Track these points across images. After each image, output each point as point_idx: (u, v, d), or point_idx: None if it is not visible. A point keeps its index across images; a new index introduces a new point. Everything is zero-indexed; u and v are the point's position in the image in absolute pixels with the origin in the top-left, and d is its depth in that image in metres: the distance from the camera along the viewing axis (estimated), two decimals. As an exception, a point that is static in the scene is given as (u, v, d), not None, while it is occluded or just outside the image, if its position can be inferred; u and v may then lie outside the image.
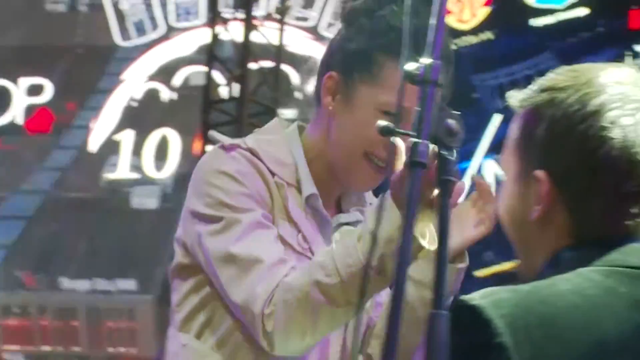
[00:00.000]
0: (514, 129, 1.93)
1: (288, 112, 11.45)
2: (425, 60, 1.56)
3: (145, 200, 14.58)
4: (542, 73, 1.86)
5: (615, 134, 1.72)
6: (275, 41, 10.58)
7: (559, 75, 1.87)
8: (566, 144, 1.79)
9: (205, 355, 2.53)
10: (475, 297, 1.74)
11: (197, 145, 12.98)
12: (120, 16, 13.63)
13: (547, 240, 1.87)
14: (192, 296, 2.58)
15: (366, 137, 2.47)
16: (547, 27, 11.14)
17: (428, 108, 1.52)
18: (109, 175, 14.29)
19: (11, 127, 14.22)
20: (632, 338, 1.71)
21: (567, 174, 1.80)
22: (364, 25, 2.51)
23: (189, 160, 13.82)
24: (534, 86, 1.87)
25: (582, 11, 12.90)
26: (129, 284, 13.95)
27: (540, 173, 1.80)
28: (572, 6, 13.17)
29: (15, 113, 14.09)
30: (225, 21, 10.50)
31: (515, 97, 1.90)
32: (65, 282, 14.17)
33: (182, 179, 13.53)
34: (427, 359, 1.42)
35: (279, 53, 10.62)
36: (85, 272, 14.32)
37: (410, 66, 1.60)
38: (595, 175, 1.77)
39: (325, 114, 2.61)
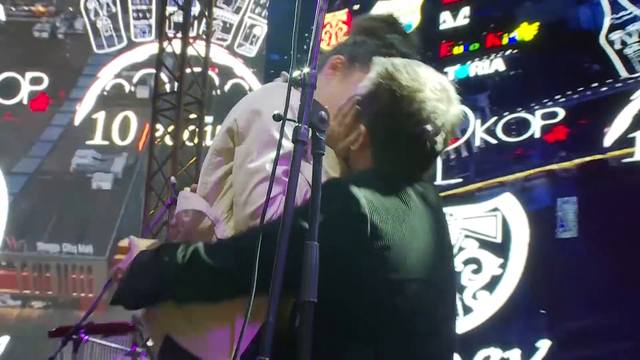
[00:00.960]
0: (360, 89, 2.21)
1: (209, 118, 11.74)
2: (306, 69, 1.77)
3: (102, 184, 14.01)
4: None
5: (427, 125, 2.02)
6: (203, 54, 10.86)
7: (402, 74, 2.13)
8: (388, 123, 2.11)
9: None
10: (343, 179, 2.14)
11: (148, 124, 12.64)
12: (97, 33, 13.64)
13: (360, 163, 2.20)
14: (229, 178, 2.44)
15: (344, 101, 2.45)
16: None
17: (307, 103, 1.73)
18: (89, 142, 13.58)
19: (18, 105, 13.73)
20: (425, 224, 2.04)
21: (382, 137, 2.12)
22: (376, 40, 2.57)
23: (135, 153, 13.98)
24: (383, 67, 2.15)
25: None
26: (88, 248, 13.70)
27: (364, 128, 2.14)
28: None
29: (22, 96, 13.73)
30: (169, 39, 10.72)
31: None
32: (41, 245, 14.07)
33: (129, 169, 13.93)
34: (301, 282, 1.59)
35: (206, 62, 10.89)
36: (55, 238, 13.98)
37: (295, 73, 1.82)
38: (399, 140, 2.07)
39: (324, 80, 2.55)
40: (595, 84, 7.76)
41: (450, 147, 7.97)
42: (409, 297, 1.98)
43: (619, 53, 7.72)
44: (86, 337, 5.71)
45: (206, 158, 2.44)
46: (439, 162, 7.77)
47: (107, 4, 13.94)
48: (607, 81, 7.67)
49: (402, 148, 2.07)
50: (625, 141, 7.43)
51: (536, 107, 8.07)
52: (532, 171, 7.93)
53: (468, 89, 8.26)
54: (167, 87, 11.08)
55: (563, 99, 7.93)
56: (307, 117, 1.69)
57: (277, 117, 1.74)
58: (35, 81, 13.59)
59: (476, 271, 8.15)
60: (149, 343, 5.66)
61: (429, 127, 2.02)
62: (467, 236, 8.26)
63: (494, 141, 8.15)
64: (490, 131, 8.19)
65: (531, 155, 8.12)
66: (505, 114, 8.30)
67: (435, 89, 2.09)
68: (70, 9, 14.41)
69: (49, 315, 13.23)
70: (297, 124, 1.65)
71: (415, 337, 1.98)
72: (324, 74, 2.45)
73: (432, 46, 8.69)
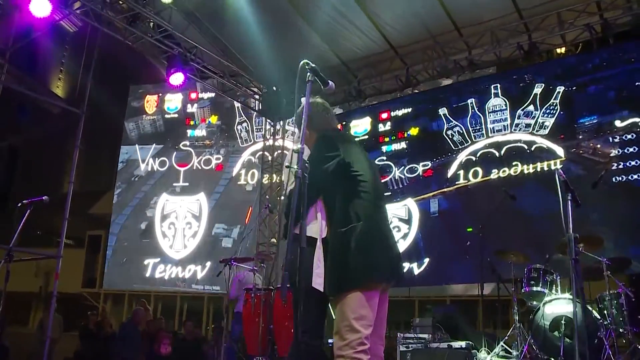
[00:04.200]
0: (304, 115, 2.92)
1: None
2: (298, 145, 2.57)
3: (227, 243, 14.87)
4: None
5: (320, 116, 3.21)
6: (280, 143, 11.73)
7: (314, 102, 3.27)
8: (312, 123, 3.13)
9: None
10: (329, 135, 3.06)
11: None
12: (242, 138, 15.32)
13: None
14: None
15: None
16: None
17: (300, 160, 2.47)
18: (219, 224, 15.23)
19: (212, 167, 15.57)
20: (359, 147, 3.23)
21: (314, 129, 3.11)
22: (314, 119, 3.18)
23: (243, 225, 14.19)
24: (302, 106, 3.04)
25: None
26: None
27: (311, 131, 3.13)
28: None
29: (216, 162, 15.66)
30: (267, 139, 11.78)
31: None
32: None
33: (240, 233, 14.29)
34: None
35: (282, 146, 11.64)
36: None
37: (295, 147, 2.61)
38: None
39: (307, 138, 3.13)
40: (444, 154, 9.58)
41: (383, 180, 9.77)
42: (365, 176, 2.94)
43: (450, 139, 9.56)
44: (234, 263, 7.04)
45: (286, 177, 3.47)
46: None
47: (253, 126, 15.55)
48: (447, 152, 9.56)
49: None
50: (454, 176, 9.38)
51: (420, 163, 9.86)
52: (425, 196, 9.68)
53: (392, 156, 10.18)
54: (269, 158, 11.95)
55: (432, 159, 9.74)
56: (300, 164, 2.54)
57: (286, 166, 2.67)
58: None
59: (398, 230, 9.70)
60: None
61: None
62: (393, 216, 9.69)
63: (402, 176, 9.95)
64: (401, 172, 9.97)
65: (418, 184, 9.81)
66: (407, 165, 10.02)
67: (325, 109, 3.34)
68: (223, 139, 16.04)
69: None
70: (296, 169, 2.49)
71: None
72: (306, 137, 3.15)
73: (376, 137, 10.42)
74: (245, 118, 15.74)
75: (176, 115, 16.67)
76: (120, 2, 8.65)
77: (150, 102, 16.94)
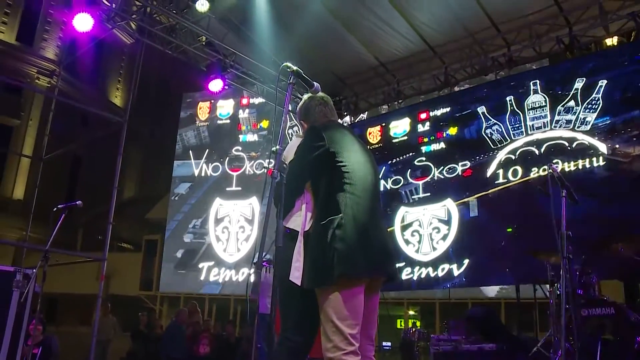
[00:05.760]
0: (299, 113, 3.31)
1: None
2: (277, 146, 2.63)
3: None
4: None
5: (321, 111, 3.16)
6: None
7: (306, 98, 3.27)
8: (308, 116, 3.21)
9: None
10: (317, 126, 3.00)
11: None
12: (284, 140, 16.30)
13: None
14: None
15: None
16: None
17: (277, 161, 2.56)
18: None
19: (264, 170, 15.23)
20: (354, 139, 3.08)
21: (310, 122, 3.17)
22: (311, 112, 3.21)
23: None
24: (302, 101, 3.30)
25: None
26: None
27: (303, 122, 3.23)
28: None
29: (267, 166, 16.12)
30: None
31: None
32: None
33: None
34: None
35: None
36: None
37: (274, 148, 2.70)
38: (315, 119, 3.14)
39: (303, 130, 3.28)
40: (483, 153, 9.48)
41: (423, 181, 10.07)
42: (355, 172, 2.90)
43: (489, 137, 9.48)
44: (265, 264, 6.45)
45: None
46: (421, 185, 10.05)
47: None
48: (487, 151, 9.44)
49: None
50: (494, 175, 9.26)
51: (459, 162, 9.80)
52: (465, 200, 9.55)
53: (431, 156, 10.16)
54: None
55: (472, 159, 9.63)
56: (277, 165, 2.62)
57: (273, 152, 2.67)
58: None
59: (438, 231, 9.80)
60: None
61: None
62: (433, 217, 9.87)
63: (442, 177, 9.94)
64: (440, 173, 9.95)
65: (458, 184, 9.73)
66: (446, 165, 9.96)
67: (322, 103, 3.24)
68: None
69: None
70: (274, 169, 2.58)
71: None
72: (303, 128, 3.39)
73: (415, 138, 10.38)
74: (296, 122, 15.71)
75: (228, 121, 17.08)
76: (160, 13, 8.91)
77: (202, 109, 17.43)
